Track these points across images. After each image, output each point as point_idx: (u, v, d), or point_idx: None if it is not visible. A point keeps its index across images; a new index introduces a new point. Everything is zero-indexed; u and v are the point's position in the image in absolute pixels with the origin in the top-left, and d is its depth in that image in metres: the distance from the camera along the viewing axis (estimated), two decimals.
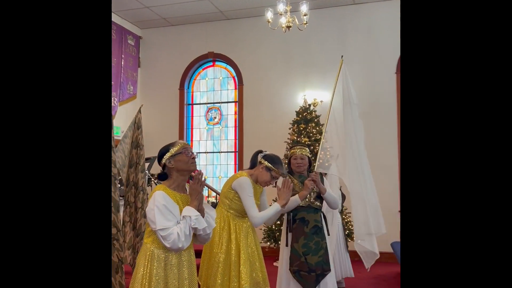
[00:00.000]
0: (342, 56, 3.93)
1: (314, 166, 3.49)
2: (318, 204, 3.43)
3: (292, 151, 3.50)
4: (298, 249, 3.31)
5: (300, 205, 3.35)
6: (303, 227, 3.35)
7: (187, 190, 2.27)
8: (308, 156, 3.47)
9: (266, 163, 2.96)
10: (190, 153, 2.27)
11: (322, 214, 3.45)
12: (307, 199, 3.37)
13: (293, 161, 3.45)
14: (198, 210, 2.18)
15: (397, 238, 6.25)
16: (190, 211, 2.15)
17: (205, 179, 2.19)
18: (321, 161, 3.52)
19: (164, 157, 2.24)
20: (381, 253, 4.64)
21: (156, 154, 2.35)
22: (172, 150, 2.24)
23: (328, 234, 3.47)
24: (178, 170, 2.24)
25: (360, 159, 3.75)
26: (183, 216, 2.13)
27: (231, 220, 2.92)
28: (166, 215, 2.08)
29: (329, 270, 3.32)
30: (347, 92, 3.80)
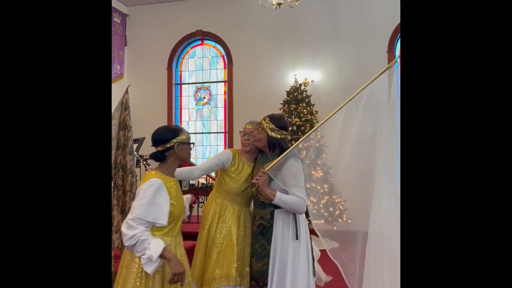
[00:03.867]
0: (396, 57, 2.97)
1: (268, 165, 2.62)
2: (266, 197, 2.64)
3: None
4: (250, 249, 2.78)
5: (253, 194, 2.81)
6: (252, 224, 2.79)
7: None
8: (268, 134, 2.65)
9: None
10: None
11: (274, 211, 2.66)
12: (254, 189, 2.74)
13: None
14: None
15: None
16: (160, 249, 1.97)
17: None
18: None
19: (174, 140, 2.17)
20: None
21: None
22: (184, 137, 2.20)
23: (296, 238, 2.60)
24: (178, 157, 2.23)
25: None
26: (153, 244, 1.97)
27: (222, 201, 2.91)
28: (149, 207, 2.01)
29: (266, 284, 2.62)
30: (382, 95, 2.52)
